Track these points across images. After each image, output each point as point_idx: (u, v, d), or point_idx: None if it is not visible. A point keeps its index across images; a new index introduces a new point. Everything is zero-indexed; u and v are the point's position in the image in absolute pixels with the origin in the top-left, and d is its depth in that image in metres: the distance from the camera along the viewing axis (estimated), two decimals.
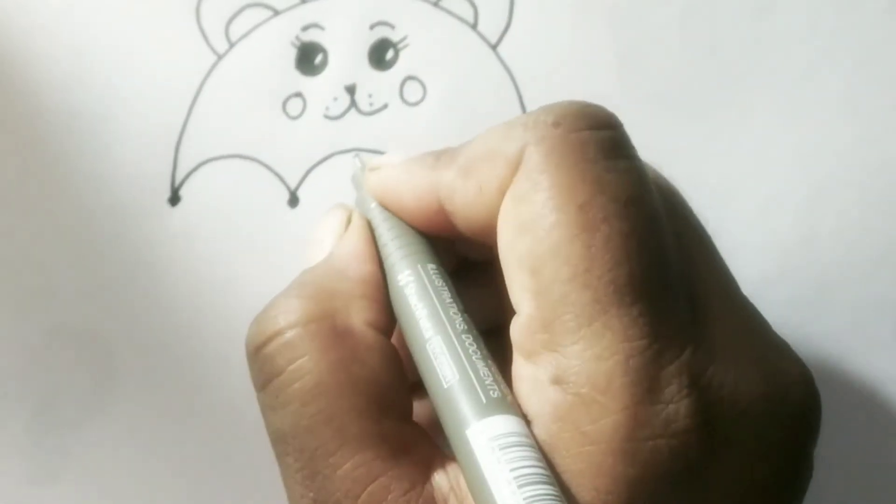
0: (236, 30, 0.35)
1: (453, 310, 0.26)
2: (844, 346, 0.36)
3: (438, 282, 0.26)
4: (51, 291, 0.34)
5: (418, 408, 0.27)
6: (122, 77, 0.34)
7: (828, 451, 0.36)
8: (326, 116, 0.35)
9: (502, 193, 0.25)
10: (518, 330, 0.24)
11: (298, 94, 0.35)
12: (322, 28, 0.35)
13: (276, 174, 0.35)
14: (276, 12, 0.35)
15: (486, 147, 0.26)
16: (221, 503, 0.34)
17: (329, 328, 0.26)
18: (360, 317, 0.26)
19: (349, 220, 0.29)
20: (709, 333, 0.24)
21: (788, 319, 0.36)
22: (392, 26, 0.35)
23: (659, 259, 0.24)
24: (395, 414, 0.26)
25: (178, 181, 0.34)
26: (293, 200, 0.35)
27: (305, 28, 0.35)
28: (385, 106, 0.35)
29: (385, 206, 0.29)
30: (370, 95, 0.35)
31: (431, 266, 0.27)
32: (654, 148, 0.36)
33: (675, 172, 0.36)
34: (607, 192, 0.24)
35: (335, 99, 0.35)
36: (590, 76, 0.36)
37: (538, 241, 0.23)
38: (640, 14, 0.36)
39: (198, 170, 0.34)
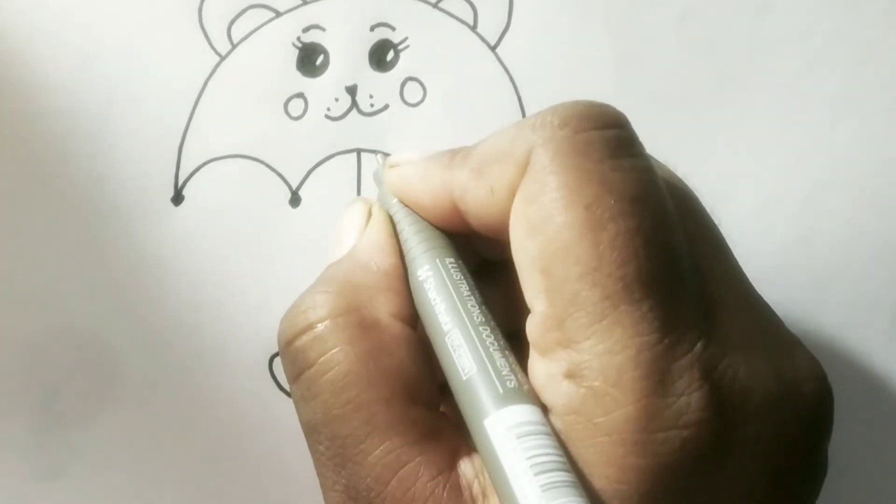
0: (238, 31, 0.35)
1: (471, 302, 0.26)
2: (841, 344, 0.36)
3: (457, 275, 0.27)
4: (54, 290, 0.34)
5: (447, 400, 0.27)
6: (125, 78, 0.34)
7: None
8: (328, 117, 0.35)
9: (513, 194, 0.25)
10: (533, 328, 0.25)
11: (300, 95, 0.35)
12: (323, 29, 0.35)
13: (278, 174, 0.35)
14: (278, 13, 0.35)
15: (497, 148, 0.26)
16: (223, 501, 0.34)
17: (357, 321, 0.26)
18: (385, 309, 0.27)
19: (370, 214, 0.30)
20: (721, 328, 0.24)
21: (785, 317, 0.36)
22: (392, 27, 0.35)
23: (668, 254, 0.24)
24: (422, 402, 0.26)
25: (181, 181, 0.34)
26: (295, 200, 0.35)
27: (307, 29, 0.35)
28: (386, 107, 0.35)
29: (403, 203, 0.29)
30: (371, 96, 0.35)
31: (450, 260, 0.27)
32: (652, 147, 0.36)
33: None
34: (613, 191, 0.24)
35: (336, 100, 0.35)
36: (589, 76, 0.36)
37: (548, 242, 0.24)
38: (639, 14, 0.36)
39: (200, 170, 0.35)
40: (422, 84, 0.35)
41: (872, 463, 0.36)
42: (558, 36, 0.36)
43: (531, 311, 0.25)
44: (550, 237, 0.24)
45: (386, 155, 0.33)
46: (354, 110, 0.35)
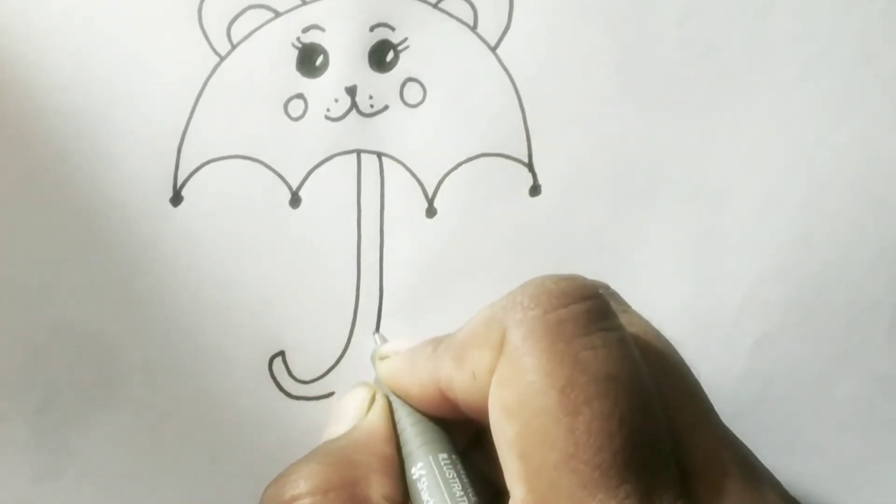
0: (238, 31, 0.35)
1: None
2: (840, 346, 0.36)
3: (450, 473, 0.28)
4: (54, 290, 0.34)
5: None
6: (125, 78, 0.34)
7: (825, 449, 0.37)
8: (327, 117, 0.35)
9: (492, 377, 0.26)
10: None
11: (300, 96, 0.35)
12: (323, 30, 0.35)
13: (278, 175, 0.35)
14: (278, 14, 0.35)
15: (474, 333, 0.26)
16: (222, 500, 0.34)
17: (348, 498, 0.27)
18: (378, 490, 0.28)
19: (373, 399, 0.31)
20: (699, 500, 0.24)
21: (784, 319, 0.36)
22: (392, 28, 0.35)
23: (644, 433, 0.24)
24: None
25: (180, 181, 0.34)
26: (295, 201, 0.35)
27: (306, 30, 0.35)
28: (386, 107, 0.35)
29: (395, 394, 0.30)
30: (371, 97, 0.35)
31: (443, 456, 0.28)
32: (652, 148, 0.36)
33: (673, 172, 0.36)
34: (587, 372, 0.24)
35: (336, 100, 0.35)
36: (589, 76, 0.36)
37: (524, 426, 0.24)
38: (639, 15, 0.36)
39: (200, 170, 0.35)
40: (422, 85, 0.35)
41: (873, 463, 0.36)
42: (558, 36, 0.36)
43: (511, 495, 0.25)
44: (526, 422, 0.24)
45: (382, 336, 0.34)
46: (354, 111, 0.35)
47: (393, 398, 0.30)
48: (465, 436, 0.30)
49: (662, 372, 0.26)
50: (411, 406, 0.30)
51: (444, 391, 0.28)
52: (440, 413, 0.29)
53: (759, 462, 0.27)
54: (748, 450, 0.27)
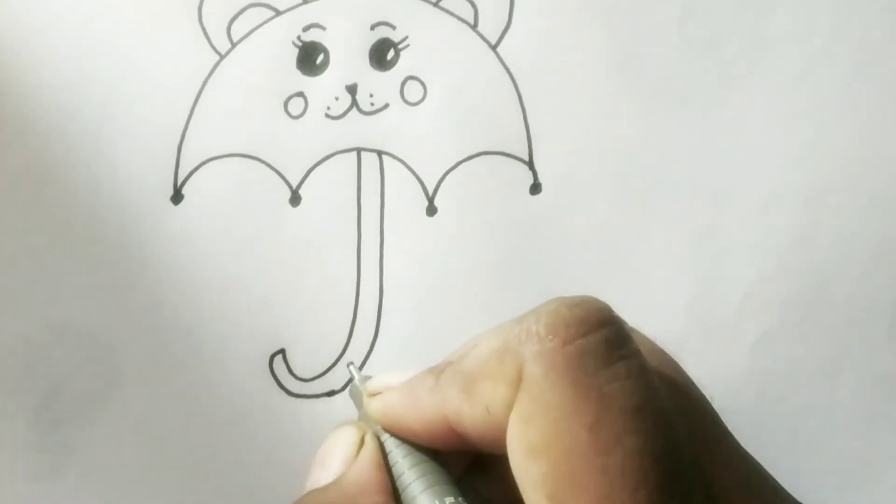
0: (238, 30, 0.35)
1: None
2: (840, 344, 0.36)
3: None
4: (54, 289, 0.34)
5: None
6: (125, 77, 0.34)
7: (825, 448, 0.36)
8: (328, 116, 0.35)
9: (510, 411, 0.24)
10: None
11: (300, 94, 0.35)
12: (323, 28, 0.35)
13: (278, 173, 0.35)
14: (278, 12, 0.35)
15: (484, 364, 0.25)
16: (223, 499, 0.34)
17: None
18: None
19: (361, 441, 0.29)
20: None
21: (784, 318, 0.36)
22: (393, 26, 0.35)
23: (675, 466, 0.23)
24: None
25: (180, 180, 0.34)
26: (295, 199, 0.35)
27: (307, 28, 0.35)
28: (386, 106, 0.35)
29: (390, 431, 0.28)
30: (371, 95, 0.35)
31: (450, 500, 0.26)
32: (652, 147, 0.36)
33: (673, 172, 0.36)
34: (614, 407, 0.23)
35: (336, 99, 0.35)
36: (590, 76, 0.36)
37: (553, 467, 0.23)
38: (639, 14, 0.36)
39: (200, 169, 0.35)
40: (422, 83, 0.35)
41: (873, 463, 0.36)
42: (559, 36, 0.36)
43: None
44: (555, 462, 0.23)
45: (359, 370, 0.33)
46: (354, 109, 0.35)
47: (387, 438, 0.28)
48: (463, 462, 0.28)
49: (674, 390, 0.25)
50: (409, 445, 0.28)
51: (452, 425, 0.26)
52: (446, 447, 0.27)
53: (774, 479, 0.26)
54: (762, 467, 0.26)
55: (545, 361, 0.24)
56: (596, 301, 0.25)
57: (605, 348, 0.24)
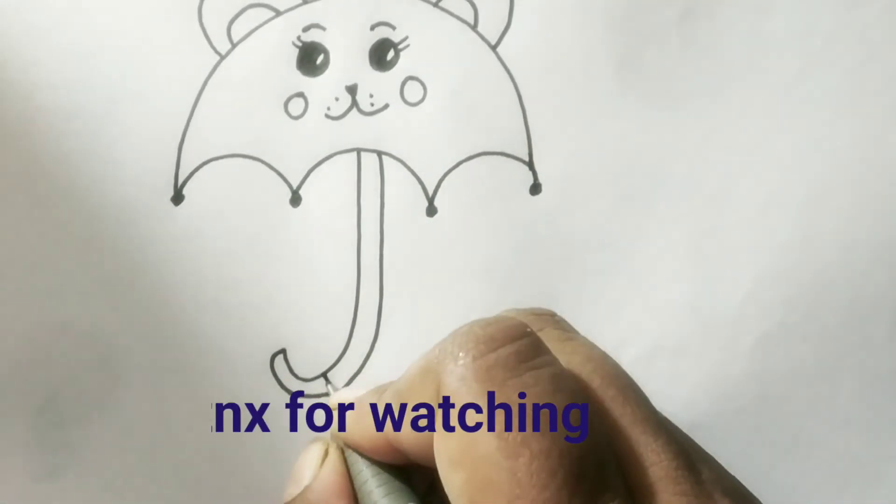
0: (238, 30, 0.35)
1: None
2: (841, 344, 0.36)
3: None
4: (56, 289, 0.34)
5: None
6: (125, 78, 0.34)
7: (825, 449, 0.36)
8: (328, 116, 0.35)
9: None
10: None
11: (300, 94, 0.35)
12: (323, 28, 0.35)
13: (279, 173, 0.35)
14: (278, 13, 0.35)
15: (410, 384, 0.27)
16: (223, 500, 0.34)
17: None
18: None
19: (326, 453, 0.31)
20: None
21: (785, 319, 0.36)
22: (393, 27, 0.35)
23: (586, 463, 0.24)
24: None
25: (181, 180, 0.34)
26: (295, 199, 0.35)
27: (307, 28, 0.35)
28: (386, 106, 0.35)
29: (349, 446, 0.30)
30: (371, 95, 0.35)
31: None
32: (652, 147, 0.36)
33: (673, 172, 0.36)
34: (520, 413, 0.24)
35: (336, 99, 0.35)
36: (589, 76, 0.36)
37: (470, 475, 0.24)
38: (640, 14, 0.36)
39: (201, 169, 0.35)
40: (422, 83, 0.35)
41: (873, 463, 0.36)
42: (558, 35, 0.36)
43: None
44: (471, 470, 0.24)
45: (331, 384, 0.34)
46: (355, 109, 0.35)
47: (348, 450, 0.30)
48: (424, 481, 0.29)
49: (608, 396, 0.26)
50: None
51: (391, 441, 0.28)
52: (394, 462, 0.29)
53: (723, 471, 0.27)
54: (707, 457, 0.27)
55: (456, 377, 0.25)
56: (510, 319, 0.27)
57: (514, 360, 0.25)
